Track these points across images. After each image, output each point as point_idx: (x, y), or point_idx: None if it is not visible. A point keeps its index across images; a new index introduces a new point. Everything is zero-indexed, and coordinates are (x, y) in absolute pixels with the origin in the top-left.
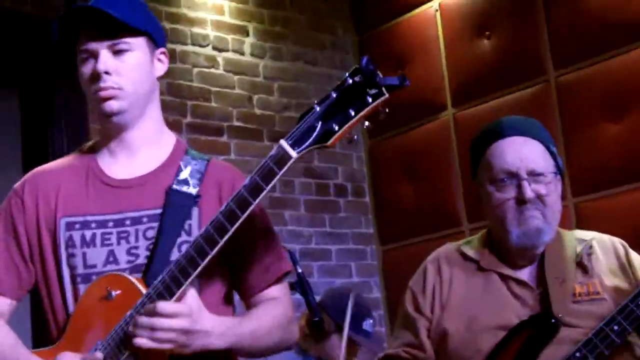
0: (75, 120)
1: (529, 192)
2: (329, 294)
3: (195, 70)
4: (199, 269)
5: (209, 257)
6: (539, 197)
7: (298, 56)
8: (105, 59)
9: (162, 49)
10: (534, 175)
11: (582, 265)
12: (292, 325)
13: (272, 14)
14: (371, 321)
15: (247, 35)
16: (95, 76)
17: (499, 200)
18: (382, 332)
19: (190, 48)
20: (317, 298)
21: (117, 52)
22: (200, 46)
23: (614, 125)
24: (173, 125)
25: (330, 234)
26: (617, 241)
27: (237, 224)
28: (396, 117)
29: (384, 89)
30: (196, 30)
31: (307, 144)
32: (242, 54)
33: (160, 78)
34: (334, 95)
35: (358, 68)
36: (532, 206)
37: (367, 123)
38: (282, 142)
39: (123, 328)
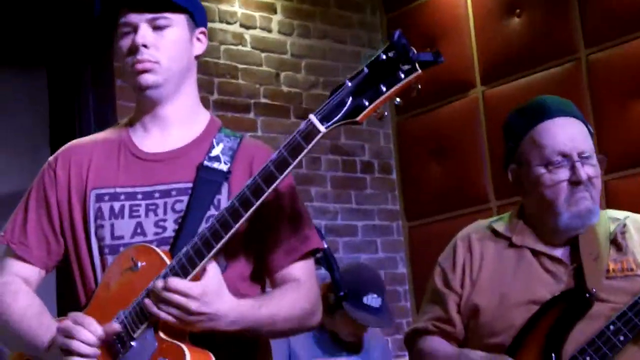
0: (103, 98)
1: (583, 174)
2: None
3: (223, 47)
4: (222, 242)
5: (233, 230)
6: (589, 179)
7: (326, 34)
8: (145, 32)
9: (202, 29)
10: (583, 157)
11: (616, 243)
12: (315, 308)
13: None
14: (375, 296)
15: (275, 12)
16: (133, 49)
17: (552, 181)
18: (406, 307)
19: (217, 25)
20: None
21: (156, 27)
22: (228, 23)
23: None
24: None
25: (356, 210)
26: None
27: (262, 198)
28: (425, 95)
29: (417, 64)
30: (223, 7)
31: (336, 118)
32: (270, 31)
33: (197, 57)
34: (366, 70)
35: (391, 43)
36: (584, 188)
37: (398, 99)
38: (312, 116)
39: (144, 298)
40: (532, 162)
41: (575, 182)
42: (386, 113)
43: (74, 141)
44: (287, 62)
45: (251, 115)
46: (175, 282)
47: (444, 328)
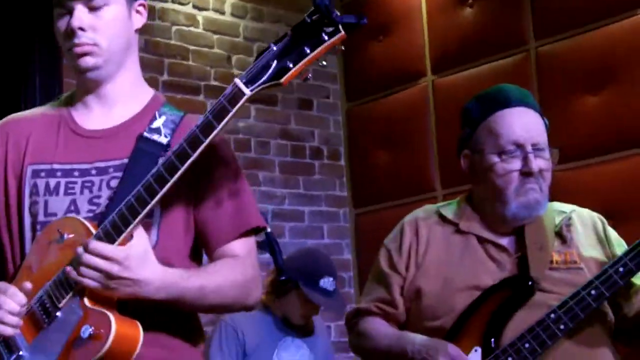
0: (50, 75)
1: (534, 166)
2: (292, 253)
3: (174, 28)
4: (148, 207)
5: (158, 196)
6: (540, 171)
7: (279, 18)
8: (80, 14)
9: (141, 1)
10: (537, 149)
11: (561, 235)
12: (251, 284)
13: None
14: (331, 279)
15: None
16: (70, 32)
17: (504, 170)
18: (350, 293)
19: (169, 5)
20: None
21: (92, 8)
22: (180, 4)
23: (593, 97)
24: (149, 83)
25: (303, 196)
26: (596, 216)
27: (188, 164)
28: (376, 83)
29: (340, 26)
30: None
31: (261, 81)
32: (223, 13)
33: (138, 30)
34: (290, 33)
35: (315, 6)
36: (534, 179)
37: (323, 62)
38: (236, 79)
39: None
40: (486, 149)
41: (526, 173)
42: (310, 76)
43: (13, 115)
44: (239, 45)
45: (201, 97)
46: (97, 244)
47: (386, 309)
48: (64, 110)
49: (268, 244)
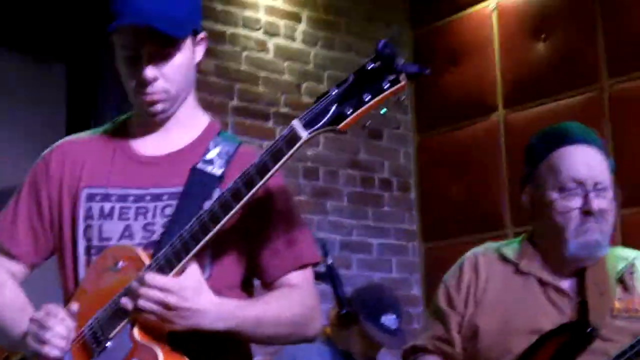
0: (124, 93)
1: (595, 205)
2: (360, 286)
3: (245, 53)
4: (200, 244)
5: (211, 233)
6: (601, 211)
7: (350, 47)
8: (152, 64)
9: (203, 34)
10: (599, 188)
11: (623, 282)
12: (310, 314)
13: (326, 2)
14: (393, 317)
15: (300, 21)
16: (143, 82)
17: (564, 208)
18: (418, 330)
19: (241, 31)
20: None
21: (163, 55)
22: (252, 29)
23: None
24: (219, 107)
25: (372, 228)
26: None
27: (242, 202)
28: (447, 115)
29: (402, 75)
30: (248, 13)
31: (318, 125)
32: (294, 40)
33: (198, 62)
34: (351, 79)
35: (377, 53)
36: (594, 219)
37: (384, 110)
38: (294, 122)
39: (120, 297)
40: (546, 185)
41: (586, 212)
42: (369, 123)
43: (71, 137)
44: (309, 72)
45: (270, 124)
46: (152, 276)
47: (443, 348)
48: (121, 133)
49: (330, 276)
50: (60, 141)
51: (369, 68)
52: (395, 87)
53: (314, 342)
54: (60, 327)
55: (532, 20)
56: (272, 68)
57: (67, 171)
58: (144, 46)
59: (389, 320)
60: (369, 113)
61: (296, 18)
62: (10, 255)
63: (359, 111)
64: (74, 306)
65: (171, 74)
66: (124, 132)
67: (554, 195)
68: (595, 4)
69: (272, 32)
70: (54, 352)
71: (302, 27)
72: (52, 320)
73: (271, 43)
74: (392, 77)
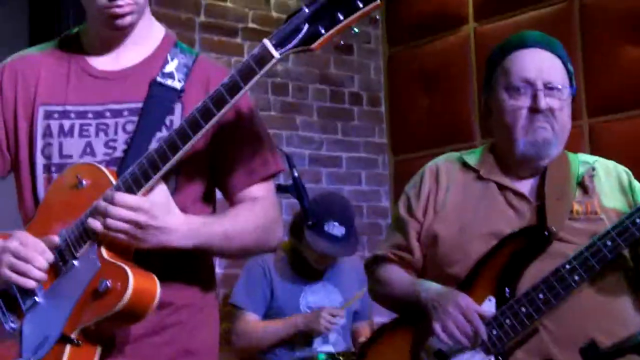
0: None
1: (543, 103)
2: (311, 198)
3: None
4: (169, 164)
5: (180, 152)
6: (551, 110)
7: None
8: None
9: None
10: (549, 88)
11: (583, 186)
12: (273, 225)
13: None
14: (336, 224)
15: None
16: None
17: (512, 107)
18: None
19: None
20: None
21: None
22: None
23: (635, 48)
24: (186, 24)
25: (342, 142)
26: (622, 169)
27: (212, 122)
28: (417, 28)
29: None
30: None
31: (290, 45)
32: None
33: None
34: None
35: None
36: (544, 117)
37: (355, 29)
38: (265, 41)
39: (87, 216)
40: (498, 87)
41: (534, 110)
42: (342, 42)
43: (20, 52)
44: None
45: (238, 39)
46: (123, 196)
47: (403, 255)
48: (75, 48)
49: (295, 189)
50: (10, 57)
51: None
52: (369, 6)
53: (274, 251)
54: (41, 261)
55: None
56: None
57: (21, 87)
58: None
59: (331, 227)
60: (342, 32)
61: None
62: None
63: (333, 30)
64: (55, 239)
65: None
66: (78, 47)
67: (504, 95)
68: None
69: None
70: (30, 283)
71: None
72: (31, 252)
73: None
74: None
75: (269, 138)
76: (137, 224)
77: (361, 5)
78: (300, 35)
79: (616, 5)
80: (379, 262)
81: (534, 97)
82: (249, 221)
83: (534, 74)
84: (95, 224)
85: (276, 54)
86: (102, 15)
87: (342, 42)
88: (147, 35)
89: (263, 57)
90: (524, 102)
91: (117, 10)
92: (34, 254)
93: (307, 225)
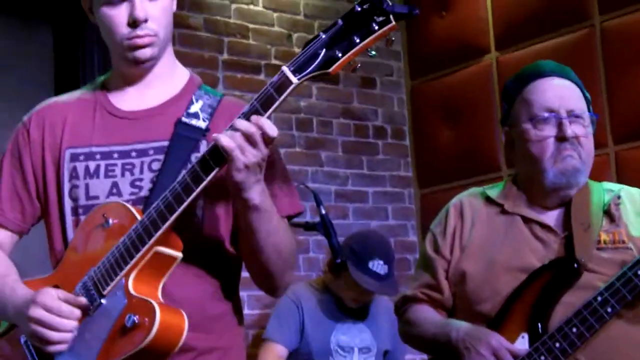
0: (107, 55)
1: (569, 131)
2: (350, 234)
3: (234, 6)
4: (193, 195)
5: (204, 183)
6: (577, 137)
7: None
8: (141, 5)
9: None
10: (573, 115)
11: (609, 214)
12: (294, 258)
13: None
14: (381, 262)
15: None
16: (133, 23)
17: (538, 137)
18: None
19: None
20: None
21: None
22: None
23: None
24: (209, 62)
25: (367, 176)
26: None
27: None
28: (439, 60)
29: (391, 16)
30: None
31: (309, 70)
32: None
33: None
34: (340, 22)
35: None
36: (571, 145)
37: (373, 52)
38: (284, 68)
39: (115, 254)
40: (520, 119)
41: (561, 139)
42: (359, 65)
43: (49, 100)
44: (299, 22)
45: (262, 76)
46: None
47: (432, 295)
48: (100, 93)
49: (322, 225)
50: (39, 105)
51: (357, 10)
52: (385, 28)
53: (285, 291)
54: (68, 324)
55: None
56: (261, 20)
57: (48, 133)
58: None
59: (376, 265)
60: (359, 56)
61: None
62: None
63: (350, 53)
64: (82, 299)
65: (159, 16)
66: (104, 90)
67: (528, 126)
68: None
69: None
70: (60, 348)
71: None
72: (62, 309)
73: None
74: (381, 19)
75: (288, 178)
76: (254, 141)
77: (377, 28)
78: (317, 60)
79: (637, 30)
80: (409, 303)
81: (559, 126)
82: (288, 234)
83: (557, 103)
84: (229, 143)
85: (294, 79)
86: (123, 50)
87: (359, 65)
88: (172, 75)
89: (282, 84)
90: (550, 131)
91: (138, 41)
92: (61, 318)
93: (341, 265)
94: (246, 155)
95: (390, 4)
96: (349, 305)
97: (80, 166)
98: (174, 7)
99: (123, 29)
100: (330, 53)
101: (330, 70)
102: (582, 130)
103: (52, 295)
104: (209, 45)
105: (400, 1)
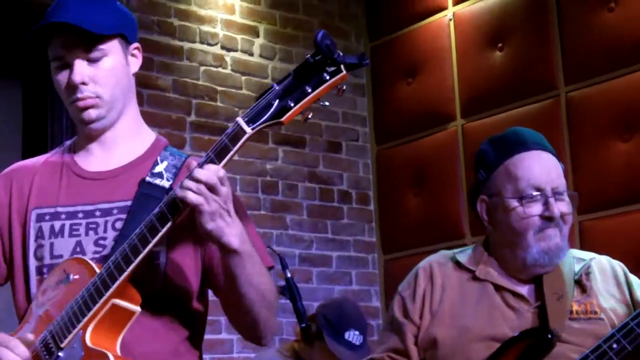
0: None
1: (556, 211)
2: (325, 302)
3: (202, 68)
4: (149, 246)
5: (160, 234)
6: (562, 215)
7: None
8: (81, 68)
9: (136, 44)
10: (557, 193)
11: (581, 284)
12: (274, 309)
13: (284, 16)
14: (357, 333)
15: (257, 36)
16: (72, 87)
17: (524, 215)
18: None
19: (198, 46)
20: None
21: (91, 60)
22: (209, 44)
23: (623, 144)
24: (177, 123)
25: (332, 240)
26: (616, 264)
27: None
28: (405, 126)
29: (342, 66)
30: (205, 28)
31: (262, 120)
32: (251, 54)
33: (135, 74)
34: (293, 73)
35: (315, 45)
36: (555, 225)
37: (326, 102)
38: (238, 118)
39: (73, 307)
40: (504, 194)
41: (547, 218)
42: (310, 115)
43: (17, 164)
44: (267, 86)
45: None
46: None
47: (399, 359)
48: (67, 155)
49: (288, 289)
50: (8, 168)
51: (310, 61)
52: (336, 77)
53: (272, 339)
54: (13, 357)
55: (489, 29)
56: (230, 83)
57: (15, 195)
58: (71, 53)
59: (352, 336)
60: (311, 105)
61: (254, 32)
62: None
63: (301, 103)
64: (30, 336)
65: (101, 78)
66: (71, 152)
67: (514, 203)
68: (551, 12)
69: (229, 47)
70: None
71: (259, 41)
72: (3, 350)
73: (229, 57)
74: (332, 69)
75: (256, 232)
76: (225, 200)
77: (328, 77)
78: (271, 111)
79: (602, 100)
80: None
81: (546, 205)
82: (270, 279)
83: (544, 181)
84: (191, 196)
85: (248, 129)
86: (73, 113)
87: (310, 116)
88: (137, 136)
89: (237, 134)
90: (536, 209)
91: (79, 103)
92: (6, 352)
93: (327, 333)
94: (211, 205)
95: (341, 54)
96: None
97: (46, 226)
98: (132, 67)
99: (66, 93)
100: (283, 103)
101: (283, 119)
102: (566, 207)
103: (6, 336)
104: (177, 106)
105: (369, 69)
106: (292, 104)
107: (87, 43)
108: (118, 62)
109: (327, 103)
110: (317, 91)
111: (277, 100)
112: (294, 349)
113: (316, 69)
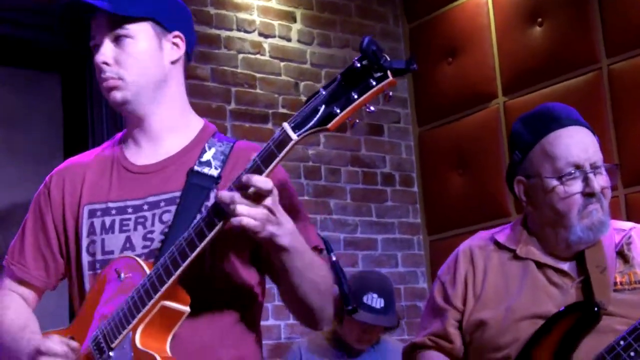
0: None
1: (596, 186)
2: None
3: (241, 56)
4: (197, 250)
5: (206, 240)
6: (602, 190)
7: (347, 43)
8: (105, 49)
9: (176, 33)
10: (595, 168)
11: (623, 255)
12: (332, 286)
13: (320, 0)
14: (375, 296)
15: (295, 21)
16: (98, 67)
17: (566, 194)
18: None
19: (235, 34)
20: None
21: (117, 41)
22: (246, 32)
23: None
24: (217, 112)
25: (376, 223)
26: None
27: None
28: (446, 106)
29: (388, 72)
30: (242, 15)
31: (308, 126)
32: (289, 40)
33: (176, 62)
34: (339, 78)
35: (362, 51)
36: (596, 200)
37: (372, 108)
38: (285, 124)
39: (123, 308)
40: (543, 173)
41: (588, 194)
42: (357, 121)
43: (69, 160)
44: (306, 71)
45: (269, 125)
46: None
47: (441, 343)
48: (117, 149)
49: (334, 273)
50: (61, 165)
51: (356, 66)
52: (382, 83)
53: (328, 323)
54: None
55: (528, 5)
56: (269, 69)
57: (68, 192)
58: (100, 34)
59: (370, 299)
60: (359, 111)
61: (291, 18)
62: (23, 282)
63: (347, 109)
64: (74, 343)
65: (124, 60)
66: (119, 147)
67: (554, 182)
68: None
69: (267, 33)
70: None
71: (297, 26)
72: (64, 351)
73: (267, 44)
74: (378, 74)
75: (308, 218)
76: (271, 209)
77: (374, 84)
78: (317, 117)
79: None
80: (417, 350)
81: (585, 181)
82: (323, 268)
83: (582, 158)
84: (243, 218)
85: (294, 136)
86: (105, 96)
87: (357, 121)
88: (183, 127)
89: (283, 140)
90: (577, 187)
91: (103, 84)
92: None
93: (347, 311)
94: (258, 219)
95: (388, 59)
96: (354, 346)
97: (97, 222)
98: (170, 55)
99: (97, 74)
100: (329, 109)
101: (329, 126)
102: (605, 181)
103: (57, 340)
104: (216, 95)
105: (407, 51)
106: (338, 111)
107: (113, 24)
108: (146, 47)
109: (373, 108)
110: (363, 97)
111: (324, 106)
112: (334, 330)
113: (362, 75)
